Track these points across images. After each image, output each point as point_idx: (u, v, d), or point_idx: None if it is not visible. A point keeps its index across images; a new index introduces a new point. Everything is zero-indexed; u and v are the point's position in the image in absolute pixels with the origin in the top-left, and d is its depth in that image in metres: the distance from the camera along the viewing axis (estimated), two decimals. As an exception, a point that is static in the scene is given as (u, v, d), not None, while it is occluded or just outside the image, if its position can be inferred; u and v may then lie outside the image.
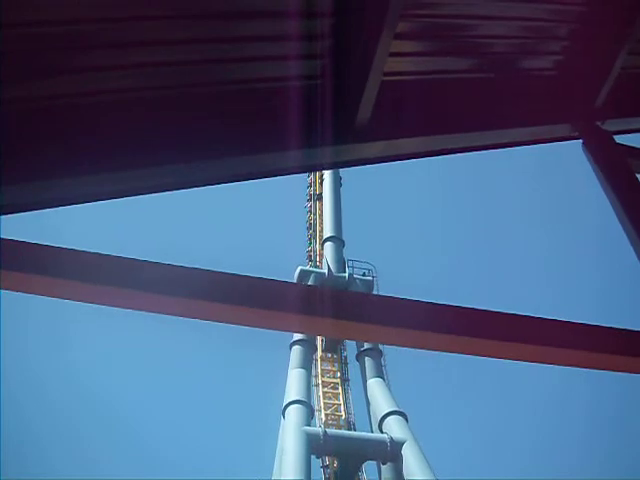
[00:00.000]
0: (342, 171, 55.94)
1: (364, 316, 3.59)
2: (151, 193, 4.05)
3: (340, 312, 3.52)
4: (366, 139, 4.57)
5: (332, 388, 45.59)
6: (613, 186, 5.43)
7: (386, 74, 4.53)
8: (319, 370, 45.84)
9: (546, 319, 4.00)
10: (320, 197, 55.69)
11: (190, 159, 4.10)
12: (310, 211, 57.22)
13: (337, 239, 49.94)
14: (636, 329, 4.15)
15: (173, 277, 3.35)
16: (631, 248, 4.98)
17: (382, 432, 36.80)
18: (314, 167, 4.76)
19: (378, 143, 4.74)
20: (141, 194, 3.99)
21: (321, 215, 54.03)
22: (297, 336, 42.58)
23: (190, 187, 4.14)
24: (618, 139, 5.92)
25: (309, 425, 36.34)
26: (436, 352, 3.89)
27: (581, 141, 5.83)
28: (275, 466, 36.44)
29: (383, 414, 37.66)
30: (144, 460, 75.40)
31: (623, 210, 5.22)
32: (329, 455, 38.48)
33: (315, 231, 54.49)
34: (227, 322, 3.50)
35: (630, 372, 4.14)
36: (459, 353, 3.87)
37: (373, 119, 4.48)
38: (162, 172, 4.00)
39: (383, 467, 37.08)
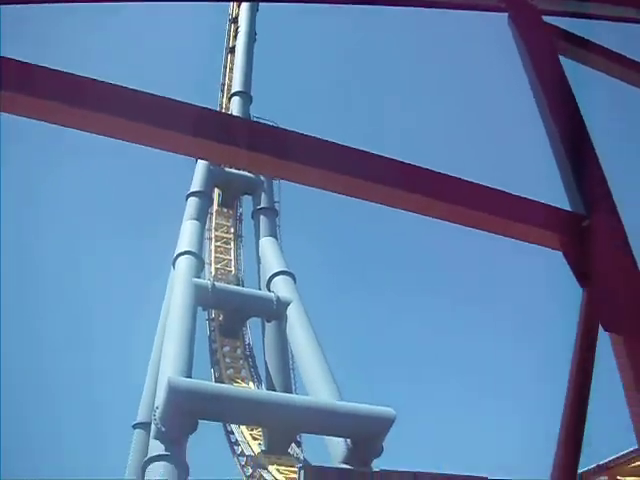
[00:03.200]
0: (258, 26, 54.46)
1: (281, 151, 3.53)
2: None
3: (256, 144, 3.45)
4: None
5: (224, 243, 45.93)
6: (534, 64, 5.43)
7: None
8: (213, 224, 45.94)
9: (453, 177, 4.07)
10: (233, 50, 54.06)
11: None
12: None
13: (245, 94, 48.98)
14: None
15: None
16: (541, 122, 5.07)
17: (270, 291, 37.53)
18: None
19: None
20: None
21: (232, 69, 52.63)
22: (194, 187, 42.24)
23: None
24: (547, 19, 5.87)
25: (198, 277, 36.64)
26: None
27: (507, 14, 5.75)
28: (161, 315, 36.87)
29: (272, 273, 38.26)
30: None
31: (541, 88, 5.25)
32: (215, 308, 39.19)
33: (224, 84, 53.23)
34: (141, 142, 3.39)
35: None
36: (369, 200, 3.91)
37: None
38: None
39: (267, 325, 38.12)
